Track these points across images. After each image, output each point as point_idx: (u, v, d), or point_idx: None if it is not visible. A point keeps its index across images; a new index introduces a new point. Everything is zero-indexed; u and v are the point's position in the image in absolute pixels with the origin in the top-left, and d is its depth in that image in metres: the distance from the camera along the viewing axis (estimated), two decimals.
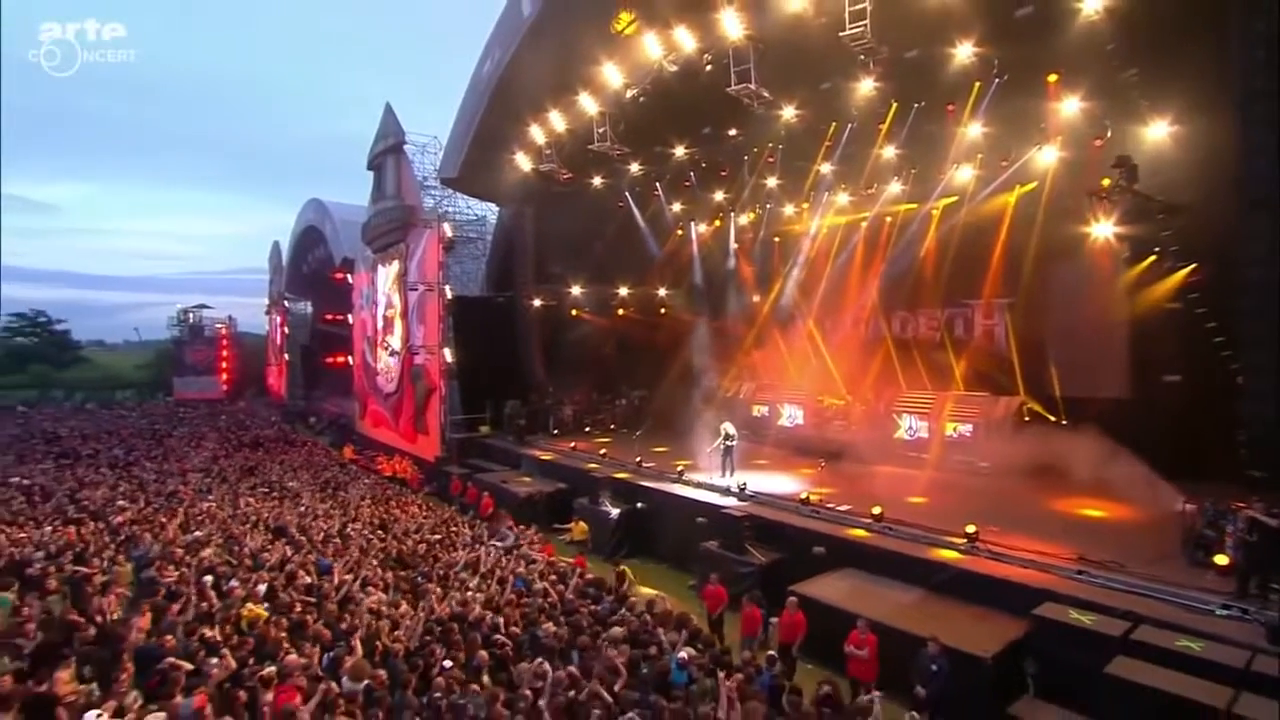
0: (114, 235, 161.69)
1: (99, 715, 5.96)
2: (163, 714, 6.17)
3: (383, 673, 6.87)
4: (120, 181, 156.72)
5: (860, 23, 10.64)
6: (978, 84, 13.74)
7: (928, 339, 19.22)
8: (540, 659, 7.00)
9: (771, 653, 8.01)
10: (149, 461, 24.53)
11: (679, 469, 16.06)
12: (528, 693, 6.52)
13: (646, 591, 11.09)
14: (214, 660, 7.34)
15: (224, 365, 56.75)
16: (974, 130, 15.29)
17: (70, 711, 6.23)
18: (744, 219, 23.89)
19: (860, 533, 11.65)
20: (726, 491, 14.49)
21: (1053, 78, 13.07)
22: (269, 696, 6.66)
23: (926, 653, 7.75)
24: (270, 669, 7.10)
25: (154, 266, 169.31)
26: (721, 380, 22.53)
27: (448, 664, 7.20)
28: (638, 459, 17.46)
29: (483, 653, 7.26)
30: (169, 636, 8.12)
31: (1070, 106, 13.95)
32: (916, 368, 18.71)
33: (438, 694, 6.52)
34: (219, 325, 58.10)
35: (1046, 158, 15.29)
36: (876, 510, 11.82)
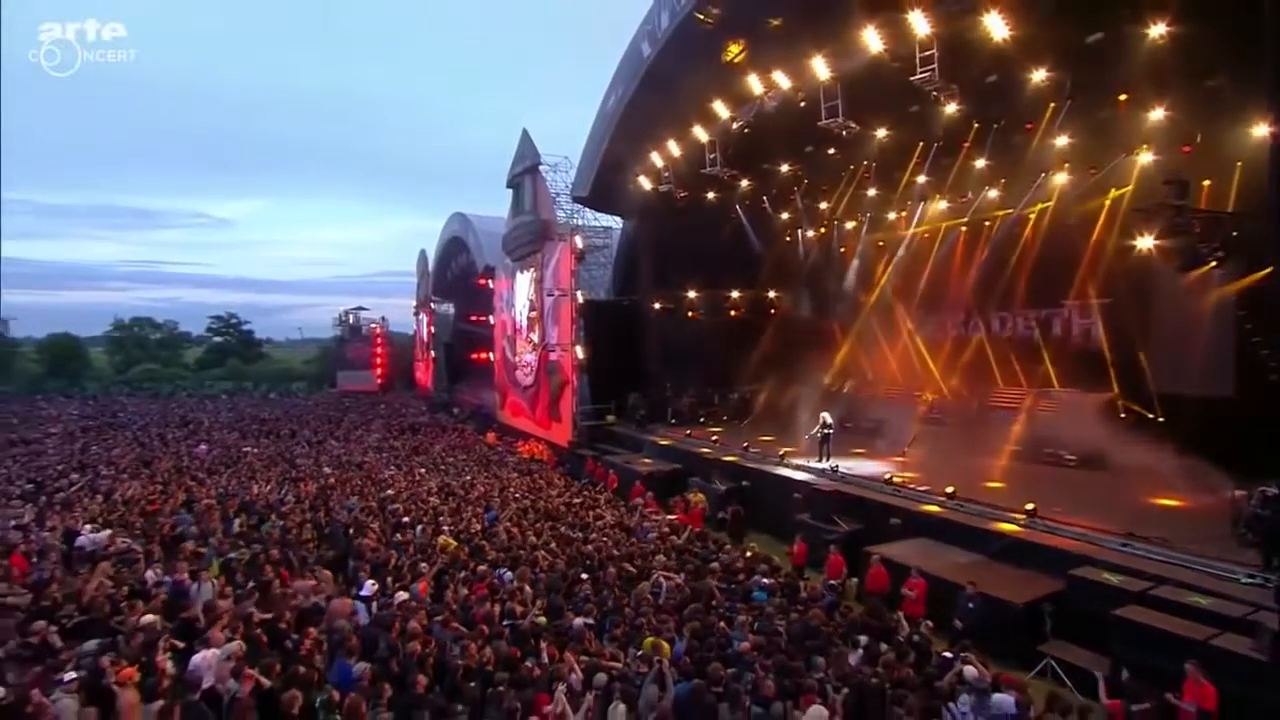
0: (279, 245, 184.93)
1: (373, 586, 9.12)
2: (405, 593, 9.25)
3: (541, 575, 9.67)
4: (285, 196, 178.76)
5: (929, 67, 12.30)
6: (1051, 105, 14.82)
7: (1024, 338, 20.09)
8: (656, 575, 9.55)
9: (832, 582, 10.17)
10: (334, 440, 29.44)
11: (781, 454, 18.14)
12: (649, 596, 9.10)
13: None
14: (423, 566, 10.48)
15: (378, 360, 63.25)
16: (1061, 141, 16.27)
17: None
18: (847, 225, 25.47)
19: (933, 508, 13.34)
20: (821, 473, 16.47)
21: (1122, 97, 13.94)
22: (465, 591, 9.63)
23: (965, 593, 9.59)
24: (464, 573, 10.14)
25: (310, 271, 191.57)
26: (825, 376, 24.19)
27: (584, 576, 9.92)
28: (745, 445, 19.70)
29: (611, 570, 9.91)
30: (391, 552, 11.42)
31: (1156, 115, 14.70)
32: (1012, 365, 19.66)
33: (583, 593, 9.22)
34: (373, 325, 64.93)
35: (1141, 160, 15.96)
36: (949, 489, 13.47)
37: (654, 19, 18.94)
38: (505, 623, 8.36)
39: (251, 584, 8.98)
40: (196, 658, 6.40)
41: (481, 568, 10.29)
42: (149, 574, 9.71)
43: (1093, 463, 16.12)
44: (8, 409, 40.80)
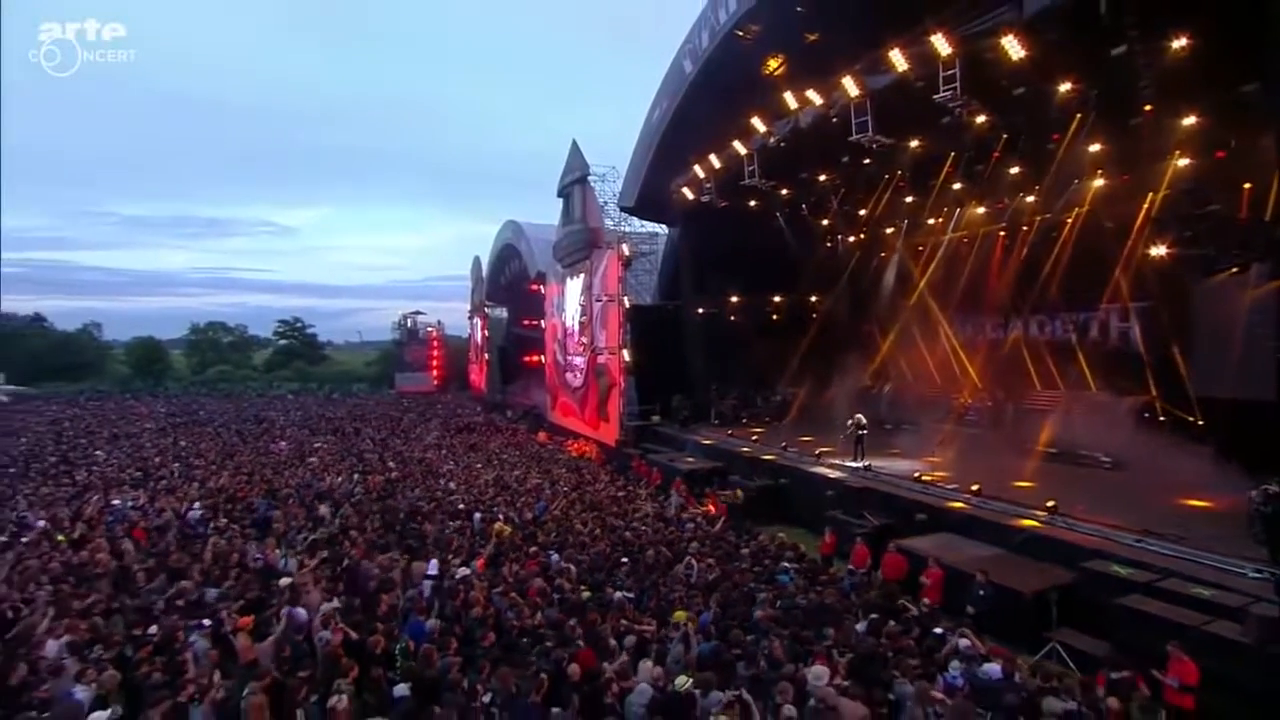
0: (338, 250, 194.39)
1: (436, 564, 10.36)
2: (467, 569, 10.47)
3: (585, 557, 10.79)
4: (346, 204, 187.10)
5: (950, 86, 12.96)
6: (1078, 115, 15.22)
7: (1061, 340, 20.31)
8: (689, 558, 10.57)
9: (850, 567, 11.00)
10: (396, 438, 31.23)
11: (817, 453, 18.89)
12: (682, 576, 10.12)
13: None
14: (485, 548, 11.71)
15: (434, 363, 65.47)
16: (1094, 148, 16.60)
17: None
18: (885, 230, 25.96)
19: (958, 504, 13.95)
20: (854, 471, 17.19)
21: (1147, 108, 14.26)
22: (518, 568, 10.79)
23: (977, 582, 10.27)
24: (517, 554, 11.32)
25: (368, 276, 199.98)
26: (864, 377, 24.73)
27: (624, 560, 10.99)
28: (784, 444, 20.48)
29: (650, 552, 10.97)
30: (452, 536, 12.69)
31: (1188, 121, 14.92)
32: (1048, 367, 19.91)
33: (623, 573, 10.30)
34: (430, 328, 67.46)
35: (1178, 163, 16.10)
36: (974, 487, 14.07)
37: (695, 38, 19.94)
38: (556, 596, 9.48)
39: (330, 559, 10.38)
40: (297, 612, 7.72)
41: (533, 550, 11.47)
42: (247, 548, 11.22)
43: (1127, 465, 16.36)
44: (106, 406, 44.53)
